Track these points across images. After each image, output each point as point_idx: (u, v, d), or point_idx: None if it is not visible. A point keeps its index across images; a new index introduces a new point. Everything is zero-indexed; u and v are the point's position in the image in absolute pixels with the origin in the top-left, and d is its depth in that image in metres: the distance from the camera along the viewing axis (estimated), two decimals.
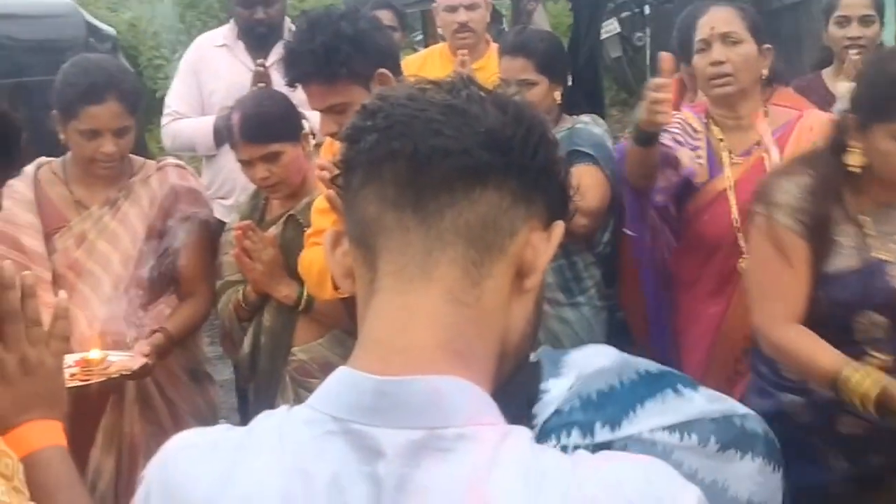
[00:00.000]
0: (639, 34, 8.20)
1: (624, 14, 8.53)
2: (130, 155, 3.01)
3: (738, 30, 2.82)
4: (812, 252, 2.28)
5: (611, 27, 8.72)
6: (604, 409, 1.12)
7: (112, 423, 2.83)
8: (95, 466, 2.78)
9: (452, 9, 4.09)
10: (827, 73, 3.74)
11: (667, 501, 0.86)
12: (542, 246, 0.95)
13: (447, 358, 0.89)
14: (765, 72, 2.90)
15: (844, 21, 3.62)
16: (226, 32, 4.44)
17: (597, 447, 1.09)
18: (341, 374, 0.91)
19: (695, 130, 2.90)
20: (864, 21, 3.62)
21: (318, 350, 2.79)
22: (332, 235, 0.99)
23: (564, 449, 1.08)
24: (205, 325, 3.17)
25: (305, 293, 2.74)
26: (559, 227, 0.97)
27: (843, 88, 3.40)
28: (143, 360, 2.67)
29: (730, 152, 2.88)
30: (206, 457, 0.92)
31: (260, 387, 2.84)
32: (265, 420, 0.93)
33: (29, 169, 2.95)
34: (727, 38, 2.81)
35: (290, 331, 2.81)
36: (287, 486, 0.87)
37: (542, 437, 1.11)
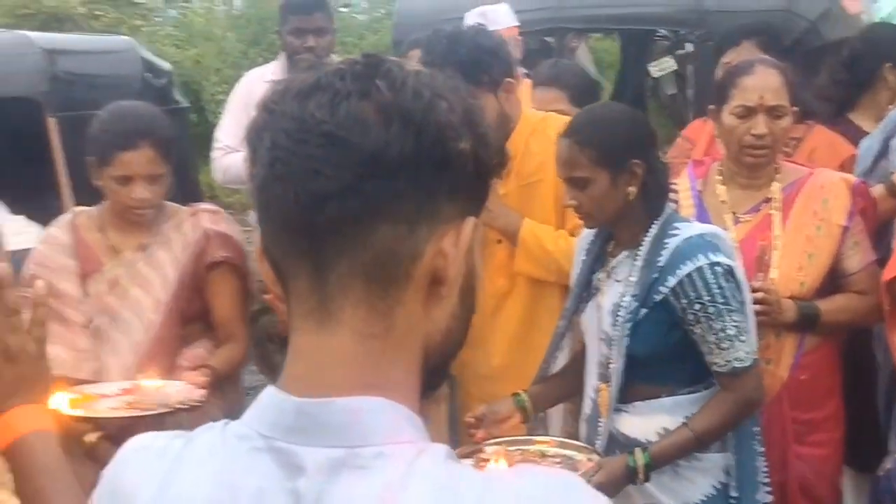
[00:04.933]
0: None
1: (680, 52, 8.53)
2: (165, 202, 2.99)
3: (785, 102, 2.79)
4: None
5: (667, 64, 8.71)
6: None
7: None
8: None
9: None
10: None
11: None
12: (452, 253, 0.92)
13: (364, 391, 0.90)
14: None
15: None
16: (274, 68, 4.61)
17: None
18: (269, 393, 0.94)
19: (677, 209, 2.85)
20: None
21: None
22: (260, 248, 0.98)
23: None
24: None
25: None
26: (468, 226, 0.93)
27: None
28: (202, 392, 2.57)
29: (734, 213, 2.86)
30: (151, 462, 0.97)
31: None
32: (205, 432, 0.97)
33: (67, 215, 3.04)
34: (773, 111, 2.78)
35: None
36: (214, 496, 0.91)
37: None
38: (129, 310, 2.90)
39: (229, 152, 4.47)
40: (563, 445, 2.49)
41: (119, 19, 10.53)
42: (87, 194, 4.56)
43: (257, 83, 4.57)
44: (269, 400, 0.93)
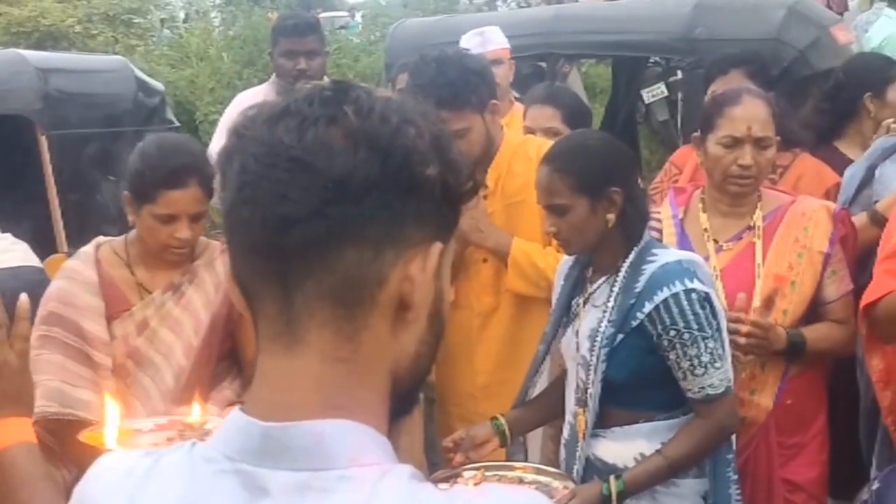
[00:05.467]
0: None
1: (672, 78, 8.59)
2: None
3: (771, 133, 2.80)
4: None
5: (658, 91, 8.78)
6: None
7: None
8: None
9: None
10: None
11: None
12: (419, 278, 0.92)
13: (330, 413, 0.91)
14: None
15: None
16: (266, 90, 4.61)
17: None
18: (235, 417, 0.95)
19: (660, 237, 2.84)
20: None
21: None
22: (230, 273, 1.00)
23: None
24: None
25: None
26: (435, 251, 0.93)
27: None
28: None
29: (716, 241, 2.86)
30: (119, 480, 0.98)
31: None
32: (172, 453, 0.97)
33: (89, 249, 2.81)
34: (760, 143, 2.78)
35: None
36: None
37: None
38: (158, 354, 2.73)
39: None
40: (540, 472, 2.50)
41: (115, 39, 10.58)
42: (77, 212, 4.60)
43: (247, 105, 4.58)
44: (237, 422, 0.94)
